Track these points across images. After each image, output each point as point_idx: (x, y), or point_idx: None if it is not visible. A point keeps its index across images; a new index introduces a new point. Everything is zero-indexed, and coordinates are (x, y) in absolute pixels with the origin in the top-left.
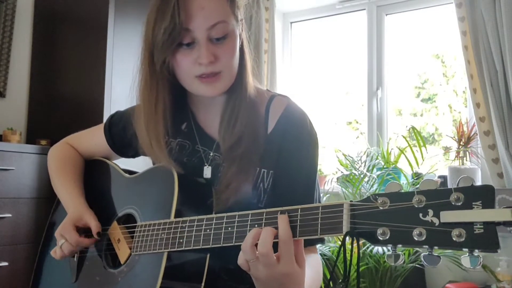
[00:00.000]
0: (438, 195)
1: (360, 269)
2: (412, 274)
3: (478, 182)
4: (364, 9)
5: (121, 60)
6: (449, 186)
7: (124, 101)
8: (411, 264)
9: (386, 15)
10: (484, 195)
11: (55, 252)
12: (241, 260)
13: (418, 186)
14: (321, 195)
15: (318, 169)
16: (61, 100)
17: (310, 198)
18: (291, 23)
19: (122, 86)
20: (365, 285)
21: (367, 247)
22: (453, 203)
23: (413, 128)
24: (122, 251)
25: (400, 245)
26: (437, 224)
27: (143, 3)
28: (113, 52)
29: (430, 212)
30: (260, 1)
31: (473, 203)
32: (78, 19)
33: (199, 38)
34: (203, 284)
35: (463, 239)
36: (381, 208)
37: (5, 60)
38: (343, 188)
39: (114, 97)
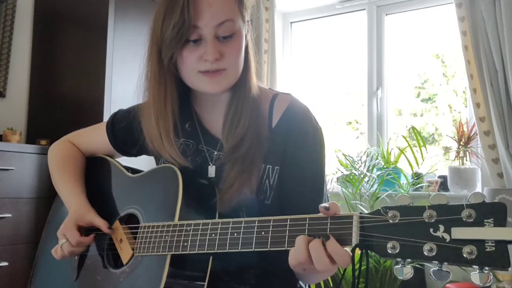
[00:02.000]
0: (450, 211)
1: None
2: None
3: (478, 182)
4: (364, 9)
5: (121, 60)
6: (449, 186)
7: (124, 101)
8: (411, 265)
9: (386, 15)
10: (496, 213)
11: (56, 252)
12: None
13: (429, 200)
14: None
15: (325, 163)
16: (61, 100)
17: (319, 193)
18: (291, 23)
19: (122, 86)
20: (365, 285)
21: None
22: (464, 220)
23: (413, 128)
24: (125, 252)
25: (409, 259)
26: (448, 240)
27: (143, 3)
28: (113, 52)
29: (441, 227)
30: (260, 1)
31: (485, 221)
32: (78, 19)
33: (206, 35)
34: (205, 284)
35: (474, 257)
36: (391, 221)
37: (5, 60)
38: (343, 188)
39: (114, 97)
